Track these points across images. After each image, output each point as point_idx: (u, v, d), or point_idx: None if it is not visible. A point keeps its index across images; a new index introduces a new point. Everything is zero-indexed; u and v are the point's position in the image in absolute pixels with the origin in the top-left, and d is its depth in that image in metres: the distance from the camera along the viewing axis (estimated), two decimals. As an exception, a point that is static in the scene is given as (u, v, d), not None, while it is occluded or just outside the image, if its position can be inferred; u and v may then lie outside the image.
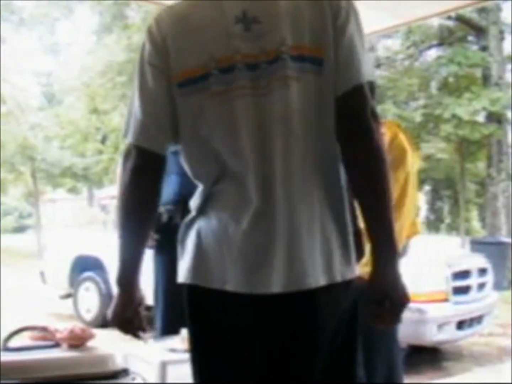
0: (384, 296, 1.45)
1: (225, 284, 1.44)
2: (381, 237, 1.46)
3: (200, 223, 1.50)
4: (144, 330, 1.60)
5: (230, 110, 1.44)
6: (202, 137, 1.47)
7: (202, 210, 1.51)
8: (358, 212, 1.53)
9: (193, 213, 1.54)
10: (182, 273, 1.51)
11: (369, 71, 1.48)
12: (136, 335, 1.61)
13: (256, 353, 1.47)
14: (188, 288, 1.51)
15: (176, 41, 1.47)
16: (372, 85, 1.48)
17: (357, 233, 2.65)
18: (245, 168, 1.44)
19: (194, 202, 1.54)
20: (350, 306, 1.51)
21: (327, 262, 1.45)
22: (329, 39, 1.44)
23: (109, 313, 1.57)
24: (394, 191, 2.59)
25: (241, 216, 1.43)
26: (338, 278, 1.46)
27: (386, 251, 1.46)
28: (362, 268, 2.63)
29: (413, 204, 2.71)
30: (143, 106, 1.48)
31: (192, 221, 1.53)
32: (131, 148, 1.51)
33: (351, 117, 1.45)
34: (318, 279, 1.44)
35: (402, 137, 2.60)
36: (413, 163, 2.75)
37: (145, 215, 1.55)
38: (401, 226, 2.61)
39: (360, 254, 1.60)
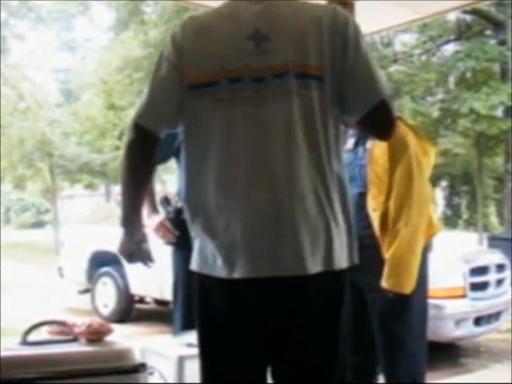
0: None
1: (233, 272, 1.60)
2: None
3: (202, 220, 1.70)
4: (149, 259, 1.88)
5: (229, 116, 1.61)
6: (201, 138, 1.65)
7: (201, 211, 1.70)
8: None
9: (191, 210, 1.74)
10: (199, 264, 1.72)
11: (386, 88, 1.69)
12: (144, 263, 1.89)
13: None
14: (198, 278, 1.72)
15: (193, 47, 1.66)
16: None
17: (369, 237, 2.68)
18: (242, 169, 1.60)
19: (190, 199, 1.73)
20: (335, 294, 1.66)
21: (326, 249, 1.61)
22: (330, 61, 1.62)
23: (117, 248, 1.83)
24: (401, 181, 2.58)
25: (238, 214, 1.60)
26: (336, 267, 1.62)
27: None
28: (386, 281, 2.61)
29: (428, 202, 2.67)
30: (151, 90, 1.71)
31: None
32: (131, 125, 1.74)
33: (380, 128, 1.73)
34: (313, 265, 1.58)
35: (404, 129, 2.59)
36: (429, 157, 2.73)
37: (139, 176, 1.82)
38: (414, 224, 2.56)
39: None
